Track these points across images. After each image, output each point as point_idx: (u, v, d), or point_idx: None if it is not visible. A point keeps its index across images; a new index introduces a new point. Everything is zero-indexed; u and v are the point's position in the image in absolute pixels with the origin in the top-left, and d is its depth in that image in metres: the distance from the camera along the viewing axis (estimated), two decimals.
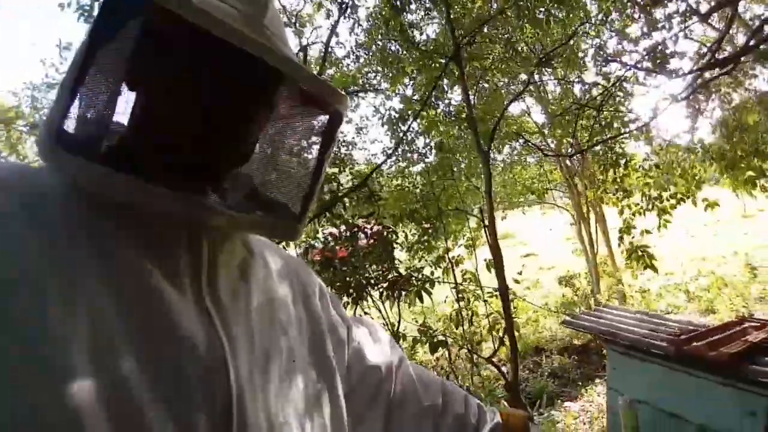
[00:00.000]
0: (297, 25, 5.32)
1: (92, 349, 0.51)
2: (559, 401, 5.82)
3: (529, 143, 6.10)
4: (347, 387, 0.86)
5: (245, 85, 0.63)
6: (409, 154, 5.58)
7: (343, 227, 4.82)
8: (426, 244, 5.44)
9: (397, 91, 5.73)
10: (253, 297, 0.72)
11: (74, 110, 0.57)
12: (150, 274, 0.59)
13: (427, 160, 5.50)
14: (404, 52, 5.09)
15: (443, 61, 4.45)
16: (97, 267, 0.56)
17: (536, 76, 5.48)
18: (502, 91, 5.82)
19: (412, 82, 5.60)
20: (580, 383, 6.38)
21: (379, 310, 5.07)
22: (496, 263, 3.96)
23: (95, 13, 0.57)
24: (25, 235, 0.53)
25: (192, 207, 0.60)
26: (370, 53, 5.84)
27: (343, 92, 0.71)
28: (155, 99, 0.62)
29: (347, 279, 4.60)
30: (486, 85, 5.81)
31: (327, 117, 0.73)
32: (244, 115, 0.65)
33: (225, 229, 0.69)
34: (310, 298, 0.85)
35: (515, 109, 9.17)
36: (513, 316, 4.37)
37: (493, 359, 4.53)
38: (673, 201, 6.08)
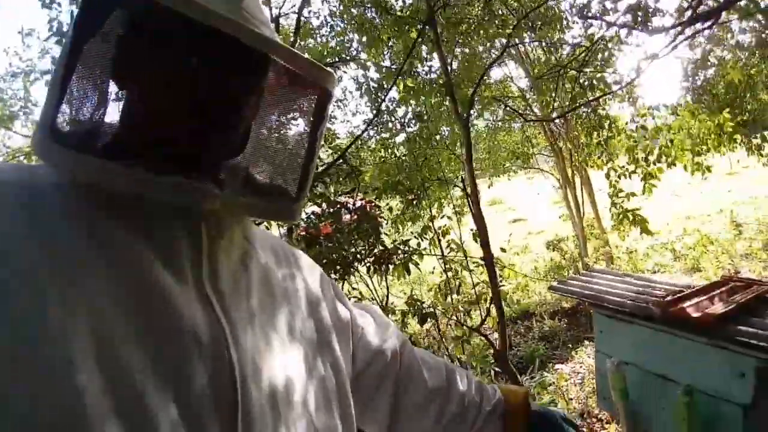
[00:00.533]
0: None
1: (94, 346, 0.52)
2: (550, 364, 5.89)
3: (509, 108, 6.02)
4: (354, 373, 0.88)
5: (228, 68, 0.63)
6: (390, 125, 5.49)
7: (325, 205, 4.80)
8: (411, 215, 5.41)
9: (374, 60, 5.61)
10: (253, 287, 0.73)
11: (66, 106, 0.58)
12: (150, 266, 0.60)
13: (408, 130, 5.42)
14: (378, 19, 4.96)
15: (419, 27, 4.33)
16: (97, 263, 0.56)
17: (516, 39, 5.37)
18: (483, 55, 5.71)
19: (389, 51, 5.48)
20: (570, 345, 6.46)
21: (367, 285, 5.09)
22: (481, 232, 3.91)
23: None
24: (24, 234, 0.54)
25: (187, 191, 0.60)
26: (345, 22, 5.69)
27: (328, 69, 0.72)
28: (139, 91, 0.63)
29: (333, 256, 4.60)
30: (466, 50, 5.69)
31: (315, 96, 0.73)
32: (230, 100, 0.65)
33: (221, 214, 0.69)
34: (312, 287, 0.86)
35: (497, 74, 9.08)
36: (501, 284, 4.35)
37: (482, 328, 4.53)
38: (661, 164, 6.04)
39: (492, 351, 4.40)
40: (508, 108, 5.97)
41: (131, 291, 0.57)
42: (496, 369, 4.67)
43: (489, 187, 9.87)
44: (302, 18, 5.10)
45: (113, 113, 0.64)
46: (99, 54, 0.59)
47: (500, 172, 11.09)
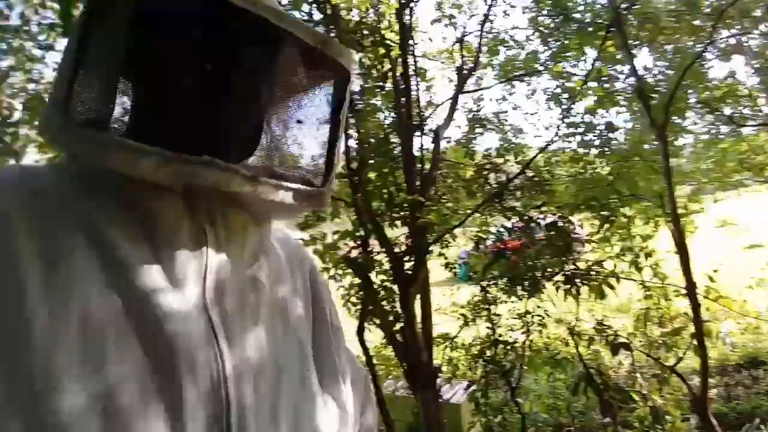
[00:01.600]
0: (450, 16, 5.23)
1: (81, 360, 0.50)
2: None
3: (721, 114, 5.12)
4: None
5: (245, 43, 0.60)
6: (580, 137, 5.11)
7: (515, 218, 4.68)
8: (606, 234, 4.93)
9: (562, 70, 5.29)
10: (259, 300, 0.67)
11: (81, 89, 0.56)
12: (151, 277, 0.56)
13: (600, 141, 4.98)
14: (561, 27, 4.66)
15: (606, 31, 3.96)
16: (95, 269, 0.54)
17: (722, 31, 4.56)
18: (688, 51, 4.96)
19: (577, 59, 5.12)
20: None
21: (554, 304, 4.78)
22: (681, 256, 3.39)
23: None
24: (24, 241, 0.52)
25: (216, 170, 0.55)
26: (529, 35, 5.48)
27: (345, 48, 0.67)
28: (156, 73, 0.61)
29: (521, 271, 4.44)
30: (667, 48, 5.00)
31: (334, 76, 0.70)
32: (249, 74, 0.62)
33: (249, 197, 0.61)
34: (318, 309, 0.80)
35: (719, 72, 7.68)
36: (708, 320, 3.70)
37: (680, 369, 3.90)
38: None
39: (691, 396, 3.75)
40: (714, 112, 5.09)
41: (129, 302, 0.54)
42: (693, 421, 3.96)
43: (714, 202, 8.44)
44: (484, 35, 5.07)
45: (130, 97, 0.63)
46: (108, 39, 0.57)
47: (725, 187, 9.43)
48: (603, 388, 3.92)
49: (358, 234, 3.87)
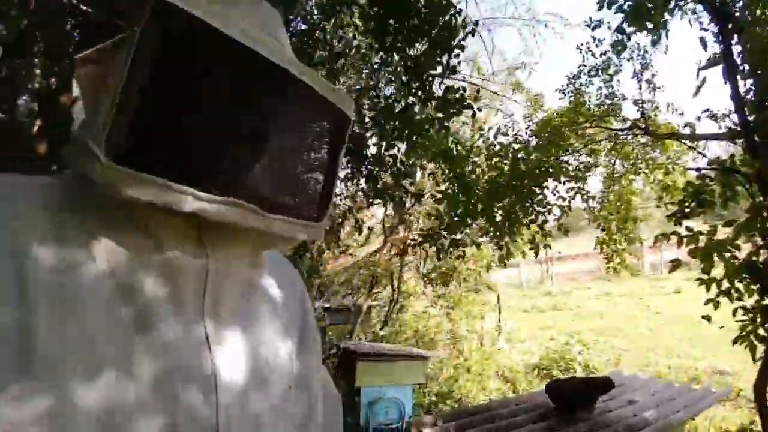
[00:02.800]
0: None
1: (82, 375, 0.54)
2: None
3: None
4: None
5: (263, 92, 0.67)
6: None
7: None
8: None
9: None
10: (254, 321, 0.75)
11: (122, 127, 0.59)
12: (155, 296, 0.63)
13: None
14: None
15: None
16: (104, 286, 0.59)
17: None
18: None
19: None
20: None
21: None
22: None
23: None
24: (32, 251, 0.57)
25: (238, 210, 0.64)
26: None
27: (346, 94, 0.78)
28: (187, 114, 0.66)
29: None
30: None
31: (335, 121, 0.79)
32: (275, 128, 0.70)
33: (261, 232, 0.70)
34: (307, 329, 0.89)
35: None
36: None
37: None
38: None
39: None
40: None
41: (128, 320, 0.60)
42: None
43: None
44: None
45: (167, 136, 0.67)
46: (153, 74, 0.61)
47: None
48: None
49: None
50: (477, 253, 9.77)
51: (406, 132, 4.86)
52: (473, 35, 4.95)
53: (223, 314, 0.70)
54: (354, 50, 5.31)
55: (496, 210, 6.64)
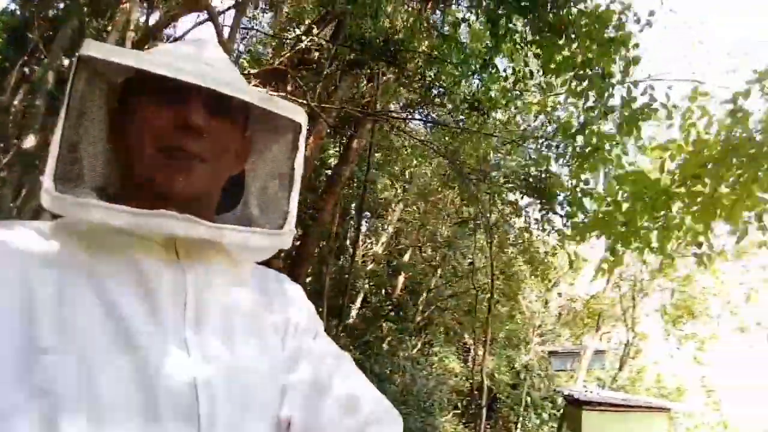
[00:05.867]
0: None
1: (80, 386, 0.60)
2: None
3: None
4: None
5: (196, 110, 0.70)
6: None
7: None
8: None
9: None
10: (237, 332, 0.74)
11: (65, 160, 0.69)
12: (137, 314, 0.66)
13: None
14: None
15: None
16: (95, 311, 0.64)
17: None
18: None
19: None
20: None
21: None
22: None
23: None
24: (41, 284, 0.64)
25: (176, 220, 0.66)
26: None
27: (292, 104, 0.78)
28: (126, 141, 0.73)
29: None
30: None
31: (286, 129, 0.80)
32: (201, 137, 0.72)
33: (210, 241, 0.72)
34: (300, 324, 0.85)
35: None
36: None
37: None
38: None
39: None
40: None
41: (113, 335, 0.63)
42: None
43: None
44: None
45: (105, 163, 0.76)
46: (91, 112, 0.72)
47: None
48: None
49: None
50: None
51: (588, 150, 4.43)
52: (650, 26, 4.36)
53: (206, 330, 0.71)
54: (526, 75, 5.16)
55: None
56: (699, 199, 4.80)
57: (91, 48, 0.66)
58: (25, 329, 0.60)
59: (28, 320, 0.60)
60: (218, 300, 0.74)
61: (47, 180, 0.65)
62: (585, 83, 4.17)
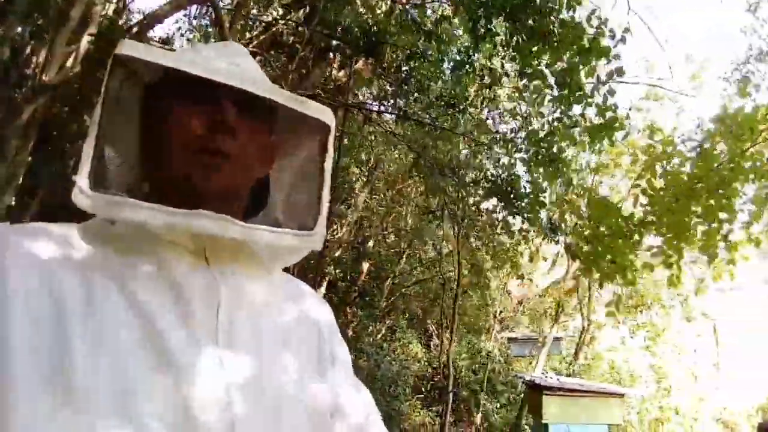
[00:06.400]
0: None
1: (114, 400, 0.59)
2: None
3: None
4: None
5: (227, 111, 0.71)
6: None
7: None
8: None
9: None
10: (267, 342, 0.73)
11: (101, 158, 0.69)
12: (167, 321, 0.65)
13: None
14: None
15: None
16: (123, 314, 0.64)
17: None
18: None
19: None
20: None
21: None
22: None
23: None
24: (70, 286, 0.63)
25: (212, 219, 0.66)
26: None
27: (322, 105, 0.78)
28: (160, 140, 0.73)
29: None
30: None
31: (315, 131, 0.80)
32: (234, 137, 0.72)
33: (245, 243, 0.71)
34: (324, 342, 0.85)
35: None
36: None
37: None
38: None
39: None
40: None
41: (146, 346, 0.62)
42: None
43: None
44: None
45: (138, 164, 0.75)
46: (125, 112, 0.71)
47: None
48: None
49: None
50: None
51: (548, 159, 4.55)
52: (624, 42, 4.48)
53: (239, 342, 0.70)
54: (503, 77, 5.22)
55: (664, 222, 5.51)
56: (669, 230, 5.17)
57: (128, 47, 0.66)
58: (54, 344, 0.58)
59: (56, 336, 0.59)
60: (251, 307, 0.73)
61: (82, 179, 0.64)
62: (564, 91, 4.26)
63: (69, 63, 5.54)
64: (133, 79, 0.72)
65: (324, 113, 0.77)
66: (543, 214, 6.36)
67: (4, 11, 5.87)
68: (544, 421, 8.24)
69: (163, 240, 0.68)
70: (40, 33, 6.19)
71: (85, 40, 5.27)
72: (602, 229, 5.18)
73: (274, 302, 0.79)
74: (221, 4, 6.04)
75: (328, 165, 0.80)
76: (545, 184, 5.84)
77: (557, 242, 7.20)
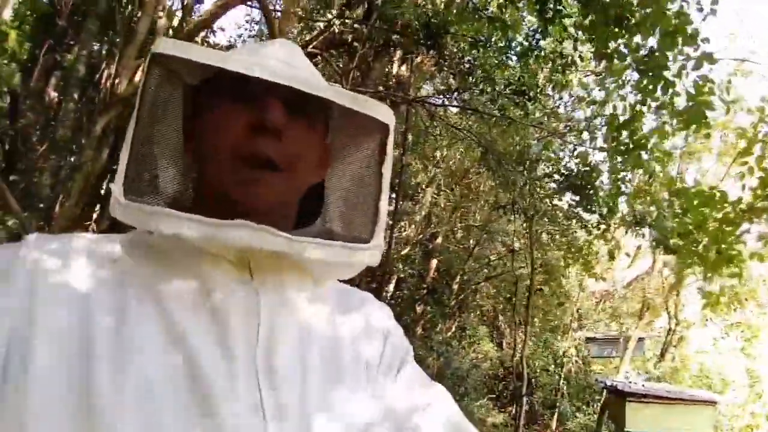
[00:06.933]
0: None
1: (138, 422, 0.55)
2: None
3: None
4: None
5: (278, 114, 0.65)
6: None
7: None
8: None
9: None
10: (314, 364, 0.67)
11: (137, 167, 0.65)
12: (204, 341, 0.61)
13: None
14: None
15: None
16: (155, 332, 0.60)
17: None
18: None
19: None
20: None
21: None
22: None
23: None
24: (101, 297, 0.60)
25: (253, 230, 0.60)
26: None
27: (383, 104, 0.71)
28: (203, 147, 0.68)
29: None
30: None
31: (374, 133, 0.73)
32: (285, 142, 0.66)
33: (288, 256, 0.66)
34: (385, 354, 0.78)
35: None
36: None
37: None
38: None
39: None
40: None
41: (182, 361, 0.58)
42: None
43: None
44: None
45: (178, 172, 0.72)
46: (163, 116, 0.67)
47: None
48: None
49: None
50: None
51: (631, 146, 4.13)
52: (714, 14, 3.99)
53: (278, 359, 0.64)
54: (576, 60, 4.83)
55: None
56: None
57: (164, 45, 0.62)
58: (78, 368, 0.55)
59: (82, 355, 0.56)
60: (295, 325, 0.68)
61: (117, 188, 0.61)
62: (650, 77, 3.85)
63: (138, 75, 5.76)
64: (171, 80, 0.67)
65: (381, 111, 0.70)
66: (624, 205, 5.92)
67: (78, 31, 6.22)
68: (626, 430, 7.75)
69: (204, 252, 0.65)
70: (111, 49, 6.53)
71: None
72: (705, 218, 4.73)
73: (325, 317, 0.73)
74: (272, 7, 6.02)
75: (387, 169, 0.73)
76: (626, 173, 5.39)
77: (643, 236, 6.70)
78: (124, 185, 0.61)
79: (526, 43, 5.63)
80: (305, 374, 0.66)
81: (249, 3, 6.48)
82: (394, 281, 11.36)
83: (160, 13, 6.37)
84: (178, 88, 0.69)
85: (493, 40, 5.72)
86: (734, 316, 10.46)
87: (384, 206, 0.72)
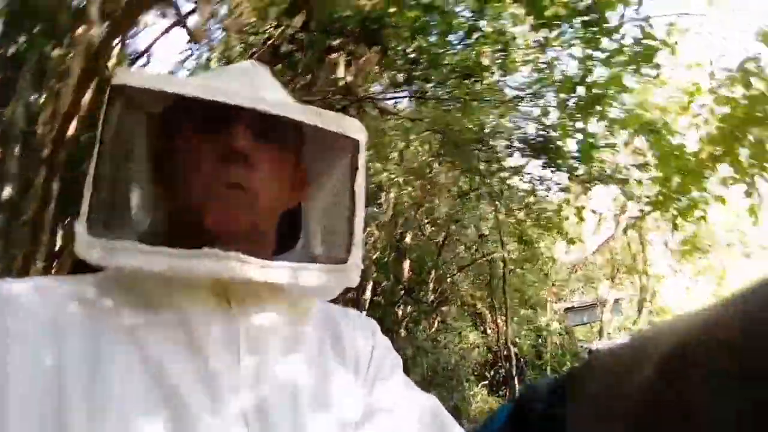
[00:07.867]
0: None
1: None
2: None
3: None
4: None
5: (238, 135, 0.64)
6: None
7: None
8: None
9: None
10: (302, 388, 0.66)
11: (98, 201, 0.62)
12: (184, 376, 0.59)
13: None
14: None
15: None
16: (134, 372, 0.58)
17: None
18: None
19: None
20: None
21: None
22: None
23: None
24: (73, 344, 0.58)
25: (221, 260, 0.59)
26: None
27: (349, 118, 0.69)
28: (165, 177, 0.68)
29: None
30: None
31: (342, 148, 0.72)
32: (249, 164, 0.65)
33: (261, 282, 0.63)
34: (372, 365, 0.76)
35: None
36: None
37: None
38: None
39: None
40: None
41: (162, 399, 0.57)
42: None
43: None
44: None
45: (145, 203, 0.71)
46: (125, 148, 0.67)
47: None
48: None
49: None
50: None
51: (589, 103, 4.27)
52: None
53: (261, 387, 0.63)
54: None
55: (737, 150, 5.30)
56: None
57: (123, 76, 0.61)
58: (50, 417, 0.53)
59: (54, 406, 0.54)
60: (277, 350, 0.67)
61: (80, 225, 0.60)
62: (594, 29, 4.00)
63: (82, 112, 5.55)
64: (131, 111, 0.66)
65: (354, 129, 0.68)
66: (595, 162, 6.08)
67: (14, 84, 5.98)
68: None
69: (178, 284, 0.63)
70: (51, 94, 6.31)
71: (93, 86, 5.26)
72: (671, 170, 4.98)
73: (309, 339, 0.72)
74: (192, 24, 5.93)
75: (360, 186, 0.70)
76: (585, 124, 5.54)
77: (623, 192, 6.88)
78: (88, 222, 0.60)
79: (465, 25, 5.74)
80: (294, 406, 0.64)
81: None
82: (369, 287, 11.30)
83: (94, 51, 6.18)
84: (138, 118, 0.69)
85: (432, 26, 5.81)
86: (699, 264, 10.92)
87: (359, 224, 0.71)
